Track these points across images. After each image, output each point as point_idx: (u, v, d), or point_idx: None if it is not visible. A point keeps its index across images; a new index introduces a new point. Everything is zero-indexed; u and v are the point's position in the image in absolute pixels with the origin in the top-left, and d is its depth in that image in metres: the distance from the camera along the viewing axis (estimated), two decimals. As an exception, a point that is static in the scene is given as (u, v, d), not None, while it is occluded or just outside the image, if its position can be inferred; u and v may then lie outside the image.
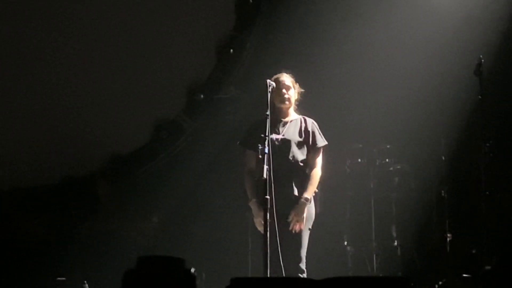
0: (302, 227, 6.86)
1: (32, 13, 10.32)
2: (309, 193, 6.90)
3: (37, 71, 10.46)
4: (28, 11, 10.29)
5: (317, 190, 7.07)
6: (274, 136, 6.94)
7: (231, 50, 10.71)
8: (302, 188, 6.93)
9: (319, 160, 7.04)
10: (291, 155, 6.93)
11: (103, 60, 10.54)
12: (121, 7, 10.54)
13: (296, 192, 6.90)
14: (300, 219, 6.84)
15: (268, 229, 6.47)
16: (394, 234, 9.61)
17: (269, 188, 6.49)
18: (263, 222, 6.71)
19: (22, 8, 10.32)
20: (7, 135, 10.44)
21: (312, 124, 7.09)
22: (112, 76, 10.56)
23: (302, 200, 6.86)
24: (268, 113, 6.70)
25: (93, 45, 10.50)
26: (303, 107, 7.29)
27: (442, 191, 9.44)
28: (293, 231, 6.84)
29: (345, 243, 9.66)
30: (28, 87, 10.45)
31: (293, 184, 6.92)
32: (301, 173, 6.97)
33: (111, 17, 10.54)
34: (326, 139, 7.16)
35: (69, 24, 10.47)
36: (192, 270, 6.08)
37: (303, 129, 7.04)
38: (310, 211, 6.97)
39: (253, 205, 6.97)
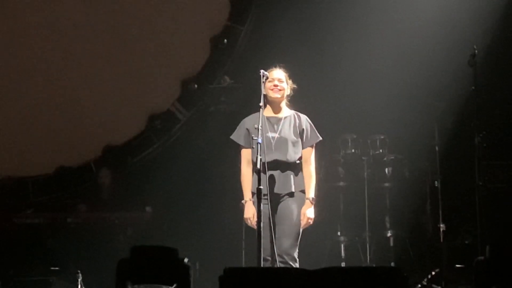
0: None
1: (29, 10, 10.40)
2: (313, 192, 6.90)
3: (33, 64, 10.48)
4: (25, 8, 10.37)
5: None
6: (270, 134, 6.91)
7: (225, 40, 10.71)
8: (298, 183, 6.91)
9: (313, 156, 7.02)
10: (287, 153, 6.89)
11: (97, 50, 10.54)
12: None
13: (293, 189, 6.88)
14: (310, 219, 6.85)
15: (262, 220, 6.48)
16: (388, 225, 9.63)
17: (262, 178, 6.49)
18: (252, 219, 6.74)
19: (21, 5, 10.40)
20: (3, 126, 10.46)
21: (305, 121, 7.04)
22: (106, 66, 10.55)
23: (309, 200, 6.86)
24: (261, 104, 6.69)
25: (87, 37, 10.51)
26: (297, 98, 7.26)
27: (436, 182, 9.44)
28: (293, 226, 6.84)
29: (339, 233, 9.67)
30: (25, 79, 10.47)
31: (290, 180, 6.89)
32: (297, 170, 6.94)
33: (105, 9, 10.54)
34: (319, 129, 7.12)
35: (64, 18, 10.49)
36: (186, 260, 6.10)
37: (297, 126, 6.98)
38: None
39: (246, 203, 6.91)
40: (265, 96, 6.91)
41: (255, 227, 6.63)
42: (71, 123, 10.51)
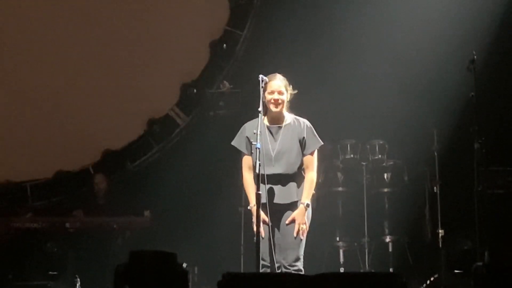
0: (305, 231, 6.81)
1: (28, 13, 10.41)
2: (308, 198, 6.83)
3: (32, 69, 10.49)
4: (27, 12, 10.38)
5: (314, 192, 7.00)
6: (270, 145, 6.85)
7: (225, 45, 10.72)
8: (301, 191, 6.86)
9: (314, 162, 6.93)
10: (288, 165, 6.84)
11: (97, 55, 10.55)
12: (116, 3, 10.57)
13: (296, 198, 6.84)
14: (303, 224, 6.78)
15: (262, 225, 6.47)
16: (386, 230, 9.62)
17: (261, 184, 6.47)
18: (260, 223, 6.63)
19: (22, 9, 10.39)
20: (2, 130, 10.47)
21: (306, 127, 6.96)
22: (105, 71, 10.56)
23: (303, 206, 6.80)
24: (260, 109, 6.66)
25: (86, 42, 10.53)
26: (296, 103, 7.23)
27: (435, 187, 9.45)
28: (297, 236, 6.78)
29: (337, 238, 9.67)
30: (23, 83, 10.49)
31: (292, 190, 6.85)
32: (300, 179, 6.89)
33: (104, 13, 10.55)
34: (319, 135, 7.07)
35: (64, 22, 10.51)
36: (184, 264, 6.08)
37: (297, 133, 6.92)
38: (308, 213, 6.91)
39: (252, 209, 6.78)
40: (264, 103, 6.88)
41: (263, 232, 6.61)
42: (70, 127, 10.51)
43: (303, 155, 6.89)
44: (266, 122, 6.91)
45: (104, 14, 10.57)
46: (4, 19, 10.51)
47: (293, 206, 6.79)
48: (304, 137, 6.88)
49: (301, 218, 6.73)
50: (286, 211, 6.77)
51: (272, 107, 6.88)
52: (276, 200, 6.74)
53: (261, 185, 6.47)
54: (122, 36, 10.56)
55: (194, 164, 10.23)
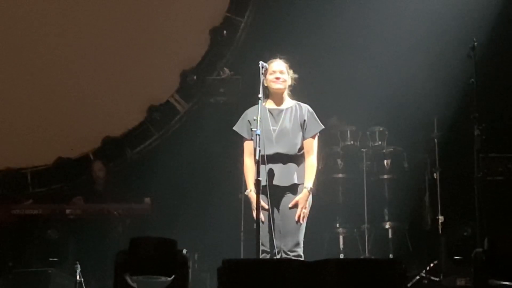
0: (305, 216, 6.81)
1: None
2: (311, 182, 6.84)
3: (33, 55, 10.49)
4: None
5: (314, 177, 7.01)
6: (271, 127, 6.87)
7: (225, 32, 10.70)
8: (302, 175, 6.87)
9: (315, 146, 6.96)
10: (288, 145, 6.86)
11: (96, 41, 10.54)
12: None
13: (296, 180, 6.84)
14: (305, 208, 6.79)
15: (261, 211, 6.48)
16: (386, 216, 9.62)
17: (261, 170, 6.48)
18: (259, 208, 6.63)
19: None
20: (2, 117, 10.47)
21: (307, 111, 6.99)
22: (105, 57, 10.55)
23: (307, 190, 6.81)
24: (260, 95, 6.67)
25: (86, 29, 10.52)
26: (296, 89, 7.25)
27: (435, 174, 9.46)
28: (298, 220, 6.78)
29: (337, 225, 9.68)
30: (24, 70, 10.49)
31: (292, 173, 6.86)
32: (300, 161, 6.91)
33: (106, 0, 10.56)
34: (319, 121, 7.09)
35: (63, 9, 10.50)
36: (184, 251, 6.09)
37: (298, 117, 6.95)
38: (309, 198, 6.91)
39: (249, 194, 6.83)
40: (266, 88, 6.90)
41: (263, 217, 6.62)
42: (70, 114, 10.51)
43: (304, 138, 6.91)
44: (267, 105, 6.93)
45: (105, 2, 10.55)
46: (6, 9, 10.51)
47: (293, 189, 6.80)
48: (305, 120, 6.91)
49: (304, 202, 6.75)
50: (286, 195, 6.78)
51: (274, 85, 6.91)
52: (276, 182, 6.74)
53: (261, 167, 6.49)
54: (123, 23, 10.55)
55: (194, 151, 10.24)
